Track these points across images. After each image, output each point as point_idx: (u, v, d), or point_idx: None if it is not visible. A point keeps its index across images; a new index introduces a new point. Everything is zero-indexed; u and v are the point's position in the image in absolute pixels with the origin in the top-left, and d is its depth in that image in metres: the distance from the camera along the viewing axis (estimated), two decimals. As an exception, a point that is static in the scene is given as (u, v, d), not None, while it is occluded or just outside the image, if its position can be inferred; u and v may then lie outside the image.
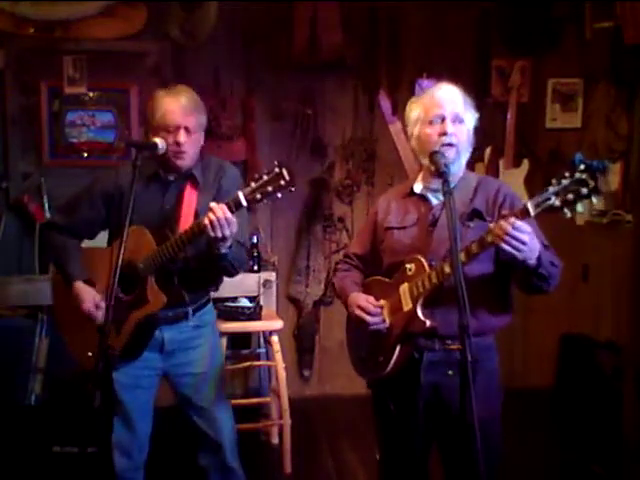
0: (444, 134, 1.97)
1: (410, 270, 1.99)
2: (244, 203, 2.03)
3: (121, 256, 1.97)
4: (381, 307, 2.06)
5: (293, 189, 1.98)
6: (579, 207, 1.64)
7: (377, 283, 2.15)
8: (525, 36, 4.18)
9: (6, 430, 3.28)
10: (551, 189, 1.67)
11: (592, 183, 1.62)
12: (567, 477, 3.38)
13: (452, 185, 2.00)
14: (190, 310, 2.38)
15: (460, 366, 1.64)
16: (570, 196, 1.64)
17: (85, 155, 3.99)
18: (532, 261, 1.79)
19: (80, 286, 2.31)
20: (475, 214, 1.99)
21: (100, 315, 2.24)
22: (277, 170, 1.97)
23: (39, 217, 3.75)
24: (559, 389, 4.21)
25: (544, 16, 4.14)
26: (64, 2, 3.78)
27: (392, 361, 2.01)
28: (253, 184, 2.00)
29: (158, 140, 2.22)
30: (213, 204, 2.05)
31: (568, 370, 4.19)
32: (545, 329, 4.27)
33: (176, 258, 2.20)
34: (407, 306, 1.98)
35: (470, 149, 2.05)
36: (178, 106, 2.24)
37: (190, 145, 2.27)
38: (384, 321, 2.05)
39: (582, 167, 1.63)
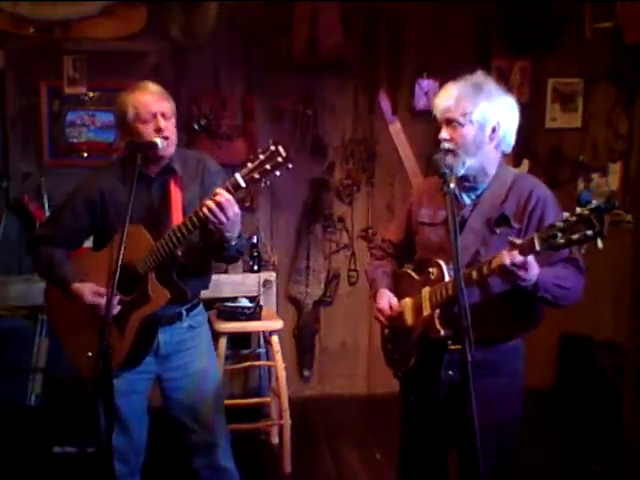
0: (440, 140, 1.96)
1: (432, 274, 1.98)
2: (242, 184, 2.01)
3: (121, 255, 1.95)
4: (400, 312, 2.08)
5: (291, 166, 1.96)
6: (582, 249, 1.59)
7: (407, 277, 2.15)
8: (525, 36, 4.18)
9: (6, 430, 3.28)
10: (559, 224, 1.61)
11: (598, 226, 1.55)
12: (567, 477, 3.38)
13: (484, 186, 2.00)
14: (184, 310, 2.37)
15: (460, 366, 1.65)
16: (575, 236, 1.58)
17: (85, 155, 3.99)
18: (529, 287, 1.78)
19: (77, 285, 2.27)
20: (503, 220, 1.95)
21: (104, 302, 2.12)
22: (273, 148, 1.95)
23: (39, 217, 3.75)
24: (559, 389, 4.21)
25: (544, 16, 4.14)
26: (64, 2, 3.77)
27: (413, 359, 2.05)
28: (250, 164, 1.99)
29: (158, 140, 2.20)
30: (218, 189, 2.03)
31: (568, 370, 4.19)
32: (545, 329, 4.22)
33: (175, 253, 2.18)
34: (426, 311, 1.99)
35: (483, 149, 1.96)
36: (148, 96, 2.23)
37: (170, 131, 2.25)
38: (403, 322, 2.07)
39: (592, 207, 1.56)
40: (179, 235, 2.13)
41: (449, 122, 1.95)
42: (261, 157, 1.97)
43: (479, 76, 2.00)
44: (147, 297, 2.22)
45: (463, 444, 2.05)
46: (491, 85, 1.99)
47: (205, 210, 2.03)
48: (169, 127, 2.24)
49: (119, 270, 1.95)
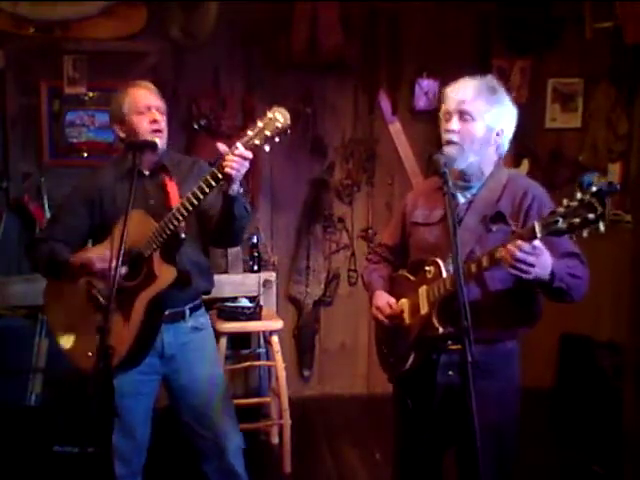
0: (447, 131, 1.97)
1: (429, 273, 1.98)
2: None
3: (124, 242, 1.94)
4: (400, 311, 2.07)
5: (289, 131, 1.97)
6: (584, 233, 1.56)
7: (403, 279, 2.15)
8: (525, 36, 4.18)
9: (6, 430, 3.28)
10: (560, 210, 1.60)
11: (600, 209, 1.53)
12: (567, 477, 3.38)
13: (479, 184, 2.01)
14: (187, 310, 2.38)
15: (460, 367, 1.65)
16: (576, 220, 1.56)
17: (85, 155, 3.99)
18: (545, 277, 1.77)
19: (77, 255, 2.26)
20: (498, 217, 1.95)
21: (112, 266, 2.00)
22: (270, 115, 1.97)
23: (39, 217, 3.76)
24: (559, 389, 4.21)
25: (544, 16, 4.14)
26: (64, 2, 3.77)
27: (409, 361, 2.04)
28: (250, 132, 2.02)
29: (158, 140, 2.24)
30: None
31: (568, 370, 4.18)
32: (545, 329, 4.22)
33: (178, 234, 2.17)
34: (424, 309, 1.98)
35: (489, 147, 1.99)
36: (145, 89, 2.32)
37: (164, 125, 2.32)
38: (402, 321, 2.06)
39: (593, 190, 1.54)
40: (183, 210, 2.12)
41: (462, 114, 1.96)
42: (260, 124, 1.99)
43: (493, 80, 2.04)
44: (153, 276, 2.20)
45: (462, 445, 2.05)
46: (503, 92, 2.03)
47: (228, 170, 2.04)
48: (163, 121, 2.31)
49: (122, 256, 1.93)
